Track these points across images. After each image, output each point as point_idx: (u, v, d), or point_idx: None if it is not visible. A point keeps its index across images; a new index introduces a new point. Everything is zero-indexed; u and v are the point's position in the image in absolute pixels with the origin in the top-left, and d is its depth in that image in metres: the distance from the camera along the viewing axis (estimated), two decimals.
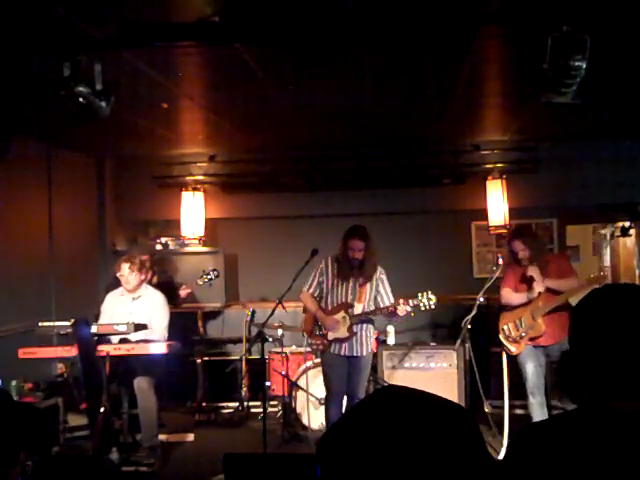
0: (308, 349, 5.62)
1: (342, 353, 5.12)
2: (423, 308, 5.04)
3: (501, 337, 5.38)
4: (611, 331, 1.43)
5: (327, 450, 1.04)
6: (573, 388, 1.48)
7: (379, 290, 5.17)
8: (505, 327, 5.37)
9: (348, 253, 5.04)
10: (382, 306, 5.15)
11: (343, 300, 5.13)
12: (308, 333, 5.34)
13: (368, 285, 5.14)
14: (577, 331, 1.50)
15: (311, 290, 5.21)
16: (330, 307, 5.18)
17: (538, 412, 5.32)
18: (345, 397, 5.23)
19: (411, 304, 4.98)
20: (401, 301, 4.98)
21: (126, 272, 5.59)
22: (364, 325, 5.15)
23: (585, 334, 1.47)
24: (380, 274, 5.19)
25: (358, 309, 5.12)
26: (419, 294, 5.03)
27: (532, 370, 5.29)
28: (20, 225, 6.16)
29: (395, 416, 1.02)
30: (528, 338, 5.24)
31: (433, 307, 5.05)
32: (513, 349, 5.31)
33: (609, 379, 1.41)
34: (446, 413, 1.04)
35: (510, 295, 5.40)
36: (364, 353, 5.15)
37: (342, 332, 5.10)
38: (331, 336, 5.11)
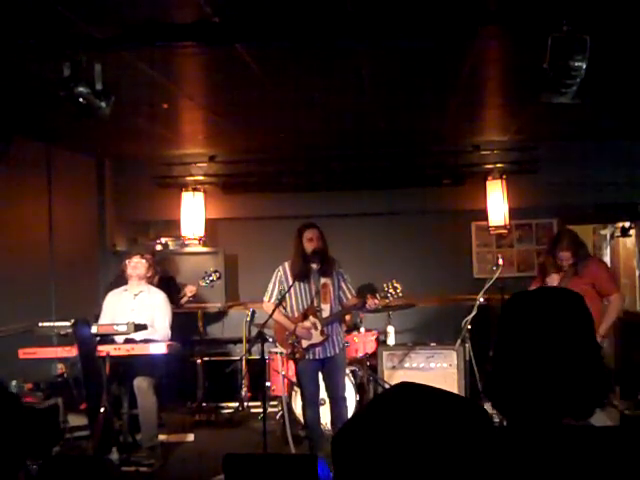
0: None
1: (316, 357, 5.13)
2: (390, 297, 5.13)
3: None
4: (539, 338, 1.30)
5: (343, 446, 1.04)
6: (503, 400, 1.33)
7: (341, 286, 5.18)
8: None
9: (306, 247, 5.03)
10: (345, 302, 5.19)
11: (308, 304, 5.11)
12: (281, 342, 5.34)
13: (330, 283, 5.13)
14: (503, 338, 1.36)
15: (273, 300, 5.14)
16: (296, 313, 5.16)
17: None
18: (328, 400, 5.25)
19: (379, 297, 5.07)
20: (369, 297, 5.05)
21: (142, 265, 5.67)
22: (333, 324, 5.17)
23: (513, 341, 1.34)
24: (338, 267, 5.21)
25: (326, 311, 5.12)
26: (384, 285, 5.12)
27: None
28: (20, 225, 6.16)
29: (411, 411, 1.02)
30: None
31: (400, 295, 5.13)
32: None
33: (546, 392, 1.28)
34: (461, 408, 1.05)
35: None
36: (337, 351, 5.16)
37: (316, 337, 5.10)
38: (305, 344, 5.10)
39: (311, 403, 5.18)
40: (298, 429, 5.93)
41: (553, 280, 5.24)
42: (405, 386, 1.12)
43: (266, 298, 5.20)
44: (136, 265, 5.68)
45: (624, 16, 3.41)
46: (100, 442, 4.91)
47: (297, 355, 5.14)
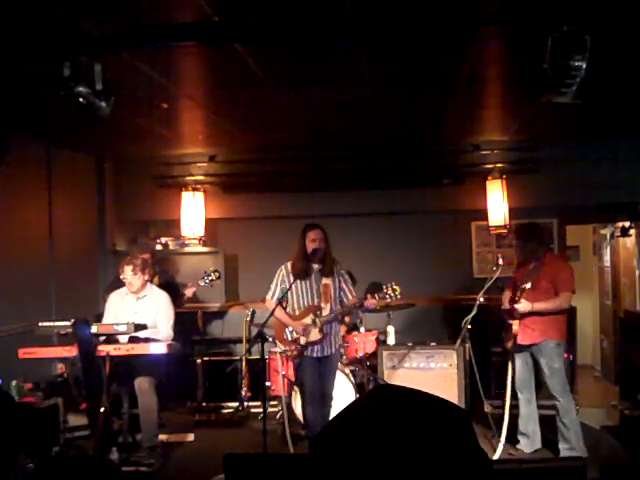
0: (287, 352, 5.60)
1: (314, 355, 5.19)
2: (389, 299, 5.20)
3: (503, 333, 5.48)
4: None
5: (322, 448, 1.04)
6: None
7: (342, 287, 5.26)
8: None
9: (309, 246, 5.10)
10: (346, 302, 5.24)
11: (309, 303, 5.18)
12: (280, 340, 5.40)
13: (331, 283, 5.20)
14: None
15: (275, 298, 5.20)
16: (297, 312, 5.22)
17: (524, 408, 5.37)
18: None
19: (377, 298, 5.14)
20: (368, 296, 5.13)
21: (129, 275, 5.57)
22: (332, 324, 5.24)
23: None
24: (340, 269, 5.28)
25: (326, 310, 5.18)
26: (383, 287, 5.19)
27: (519, 367, 5.41)
28: (20, 225, 6.16)
29: (389, 415, 1.02)
30: (510, 337, 5.34)
31: (399, 297, 5.21)
32: (507, 344, 5.40)
33: None
34: (440, 412, 1.04)
35: (504, 299, 5.50)
36: (333, 351, 5.26)
37: (314, 335, 5.16)
38: (304, 341, 5.16)
39: (311, 401, 5.20)
40: (298, 429, 5.93)
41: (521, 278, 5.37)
42: (385, 388, 1.12)
43: (268, 296, 5.26)
44: (125, 276, 5.60)
45: (624, 16, 3.41)
46: (100, 442, 4.91)
47: (295, 352, 5.20)
